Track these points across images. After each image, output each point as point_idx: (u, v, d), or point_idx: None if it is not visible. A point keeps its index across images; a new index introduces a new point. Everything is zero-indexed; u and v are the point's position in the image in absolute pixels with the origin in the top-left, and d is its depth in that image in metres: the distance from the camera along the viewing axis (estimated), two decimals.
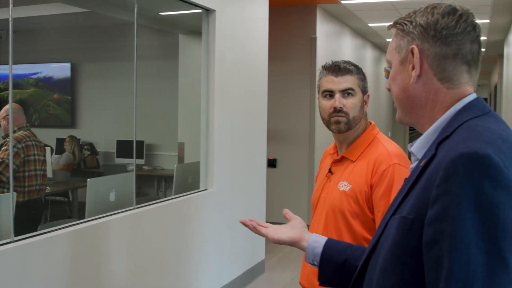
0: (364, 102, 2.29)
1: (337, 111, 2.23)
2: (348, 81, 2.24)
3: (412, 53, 1.32)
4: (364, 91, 2.29)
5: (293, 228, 1.81)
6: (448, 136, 1.23)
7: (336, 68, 2.26)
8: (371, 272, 1.34)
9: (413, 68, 1.32)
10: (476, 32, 1.30)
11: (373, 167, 2.16)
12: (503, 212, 1.08)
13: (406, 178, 1.37)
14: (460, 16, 1.29)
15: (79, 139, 8.11)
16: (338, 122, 2.25)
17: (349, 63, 2.29)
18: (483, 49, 13.24)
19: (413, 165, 1.36)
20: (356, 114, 2.25)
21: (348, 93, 2.24)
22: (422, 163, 1.26)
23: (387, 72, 1.44)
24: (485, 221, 1.08)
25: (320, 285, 1.72)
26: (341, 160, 2.30)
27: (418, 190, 1.22)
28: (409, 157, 1.58)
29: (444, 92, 1.31)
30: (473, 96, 1.31)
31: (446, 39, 1.28)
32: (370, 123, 2.35)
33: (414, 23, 1.33)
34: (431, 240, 1.13)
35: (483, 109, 1.28)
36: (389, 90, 1.45)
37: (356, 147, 2.27)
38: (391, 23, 1.43)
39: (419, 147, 1.35)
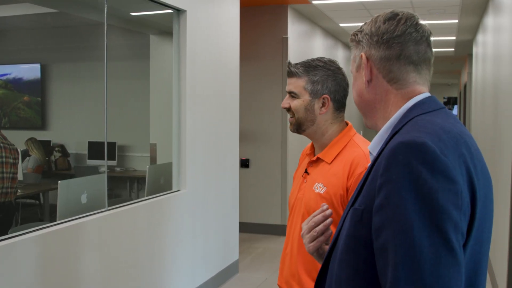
0: (322, 105, 2.25)
1: (287, 110, 2.30)
2: (292, 84, 2.28)
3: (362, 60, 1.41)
4: (315, 93, 2.25)
5: None
6: (398, 131, 1.30)
7: (287, 71, 2.31)
8: (332, 265, 1.39)
9: None
10: (419, 33, 1.38)
11: (349, 169, 2.14)
12: (442, 196, 1.14)
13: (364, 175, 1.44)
14: (399, 20, 1.38)
15: (49, 141, 8.03)
16: (290, 123, 2.31)
17: (302, 64, 2.28)
18: (452, 49, 13.40)
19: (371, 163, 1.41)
20: (300, 116, 2.26)
21: (292, 96, 2.28)
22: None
23: None
24: (426, 206, 1.13)
25: None
26: (316, 161, 2.28)
27: (368, 182, 1.28)
28: None
29: (394, 93, 1.39)
30: (425, 95, 1.38)
31: (388, 43, 1.37)
32: (347, 124, 2.33)
33: (362, 33, 1.43)
34: (377, 227, 1.19)
35: (434, 106, 1.35)
36: None
37: (331, 149, 2.25)
38: (362, 23, 1.51)
39: (374, 145, 1.43)
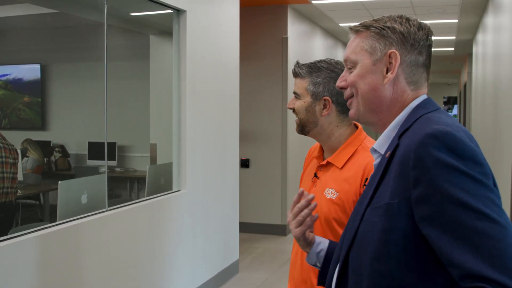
0: (323, 107, 2.22)
1: (292, 111, 2.29)
2: (296, 84, 2.27)
3: (390, 56, 1.45)
4: (316, 95, 2.22)
5: None
6: (408, 128, 1.37)
7: (292, 71, 2.30)
8: (356, 263, 1.41)
9: (387, 70, 1.46)
10: (431, 47, 1.51)
11: (362, 175, 2.09)
12: (478, 175, 1.22)
13: (372, 174, 1.48)
14: (428, 32, 1.49)
15: (49, 141, 8.03)
16: (296, 125, 2.30)
17: (307, 65, 2.25)
18: (452, 48, 13.46)
19: (377, 161, 1.49)
20: (303, 117, 2.23)
21: (296, 97, 2.27)
22: (387, 155, 1.39)
23: None
24: (469, 182, 1.21)
25: (318, 284, 1.79)
26: (326, 165, 2.22)
27: (393, 177, 1.33)
28: None
29: (407, 93, 1.47)
30: (424, 96, 1.49)
31: (421, 49, 1.47)
32: (357, 127, 2.27)
33: (392, 29, 1.47)
34: (427, 215, 1.24)
35: (434, 106, 1.46)
36: (342, 88, 1.57)
37: (341, 153, 2.20)
38: (357, 23, 1.53)
39: (380, 143, 1.49)
